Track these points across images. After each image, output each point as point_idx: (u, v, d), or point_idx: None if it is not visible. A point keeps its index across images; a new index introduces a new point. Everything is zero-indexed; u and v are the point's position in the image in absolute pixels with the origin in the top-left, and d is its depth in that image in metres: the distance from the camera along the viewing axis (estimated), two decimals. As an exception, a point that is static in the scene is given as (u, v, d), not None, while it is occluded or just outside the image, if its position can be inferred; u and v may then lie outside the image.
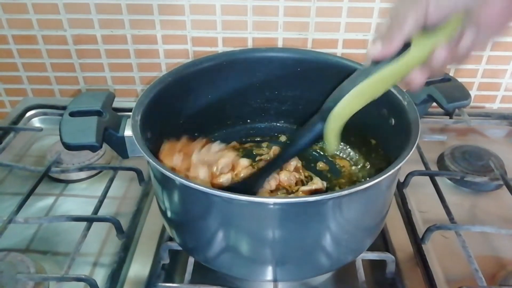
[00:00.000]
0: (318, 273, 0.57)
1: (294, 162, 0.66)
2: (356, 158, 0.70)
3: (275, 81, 0.69)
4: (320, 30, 0.87)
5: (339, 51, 0.89)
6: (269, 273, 0.52)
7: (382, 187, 0.50)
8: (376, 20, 0.85)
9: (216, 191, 0.44)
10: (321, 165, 0.70)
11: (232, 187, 0.57)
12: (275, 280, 0.53)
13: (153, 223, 0.66)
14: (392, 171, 0.46)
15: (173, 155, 0.57)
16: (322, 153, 0.72)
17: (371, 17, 0.85)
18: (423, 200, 0.71)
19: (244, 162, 0.64)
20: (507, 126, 0.90)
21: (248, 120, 0.75)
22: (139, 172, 0.74)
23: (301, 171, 0.67)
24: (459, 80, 0.63)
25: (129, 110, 0.54)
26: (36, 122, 0.90)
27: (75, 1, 0.84)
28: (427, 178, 0.72)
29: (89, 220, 0.63)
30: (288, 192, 0.63)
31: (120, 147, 0.54)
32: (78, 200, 0.72)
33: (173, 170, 0.55)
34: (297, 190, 0.63)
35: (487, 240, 0.65)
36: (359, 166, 0.69)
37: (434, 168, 0.77)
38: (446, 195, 0.68)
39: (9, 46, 0.90)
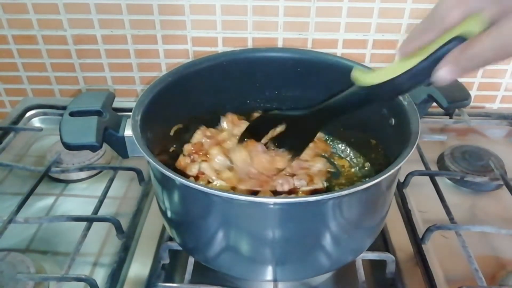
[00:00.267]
0: (318, 273, 0.57)
1: (320, 165, 0.65)
2: (356, 158, 0.70)
3: (275, 81, 0.69)
4: (320, 30, 0.87)
5: (339, 51, 0.89)
6: (269, 273, 0.52)
7: (382, 187, 0.50)
8: (376, 20, 0.85)
9: (216, 191, 0.44)
10: (321, 165, 0.70)
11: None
12: (275, 280, 0.53)
13: (153, 223, 0.66)
14: (392, 171, 0.46)
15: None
16: (322, 154, 0.72)
17: (371, 17, 0.85)
18: (423, 200, 0.71)
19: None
20: (507, 126, 0.90)
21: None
22: (139, 172, 0.74)
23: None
24: (459, 80, 0.62)
25: (129, 110, 0.54)
26: (36, 122, 0.90)
27: (75, 1, 0.84)
28: (427, 178, 0.72)
29: (89, 220, 0.63)
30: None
31: (120, 147, 0.54)
32: (78, 200, 0.72)
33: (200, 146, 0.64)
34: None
35: (487, 240, 0.65)
36: (359, 166, 0.69)
37: (434, 168, 0.77)
38: (446, 195, 0.68)
39: (9, 46, 0.90)
